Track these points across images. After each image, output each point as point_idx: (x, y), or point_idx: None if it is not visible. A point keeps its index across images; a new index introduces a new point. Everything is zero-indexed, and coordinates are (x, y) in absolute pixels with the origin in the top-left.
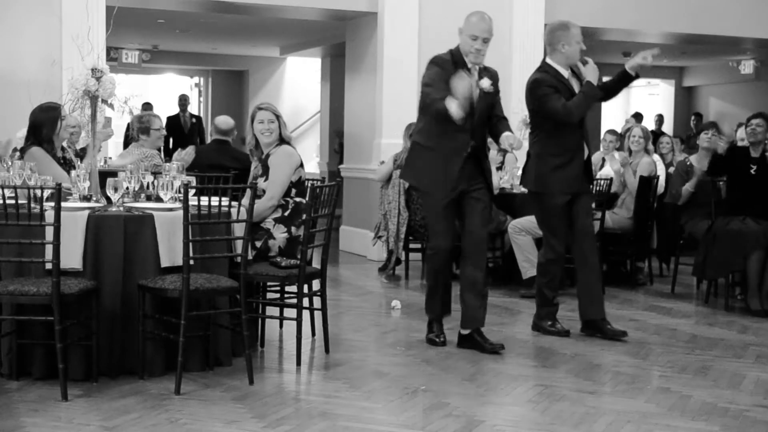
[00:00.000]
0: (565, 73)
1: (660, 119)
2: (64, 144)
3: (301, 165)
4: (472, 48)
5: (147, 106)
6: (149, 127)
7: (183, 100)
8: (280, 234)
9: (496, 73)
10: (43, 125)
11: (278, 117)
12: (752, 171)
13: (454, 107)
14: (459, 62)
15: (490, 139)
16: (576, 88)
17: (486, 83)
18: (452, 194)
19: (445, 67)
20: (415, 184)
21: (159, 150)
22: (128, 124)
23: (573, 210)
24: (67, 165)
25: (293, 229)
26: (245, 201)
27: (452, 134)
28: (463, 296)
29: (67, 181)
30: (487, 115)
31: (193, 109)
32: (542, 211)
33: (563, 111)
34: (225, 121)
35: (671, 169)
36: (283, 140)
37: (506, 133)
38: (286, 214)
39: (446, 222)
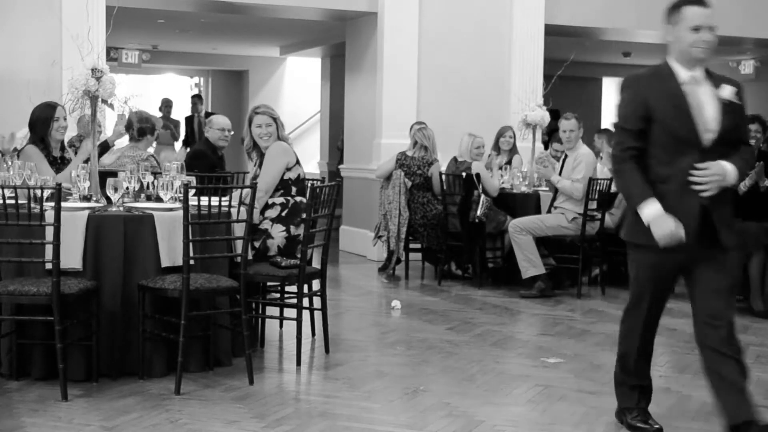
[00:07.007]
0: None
1: None
2: (65, 143)
3: (298, 162)
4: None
5: (167, 102)
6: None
7: (195, 102)
8: (278, 233)
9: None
10: (36, 124)
11: (275, 119)
12: None
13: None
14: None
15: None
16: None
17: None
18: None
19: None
20: None
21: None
22: (128, 119)
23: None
24: (67, 164)
25: (292, 228)
26: (234, 201)
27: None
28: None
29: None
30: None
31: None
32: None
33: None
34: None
35: None
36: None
37: None
38: (284, 213)
39: None
